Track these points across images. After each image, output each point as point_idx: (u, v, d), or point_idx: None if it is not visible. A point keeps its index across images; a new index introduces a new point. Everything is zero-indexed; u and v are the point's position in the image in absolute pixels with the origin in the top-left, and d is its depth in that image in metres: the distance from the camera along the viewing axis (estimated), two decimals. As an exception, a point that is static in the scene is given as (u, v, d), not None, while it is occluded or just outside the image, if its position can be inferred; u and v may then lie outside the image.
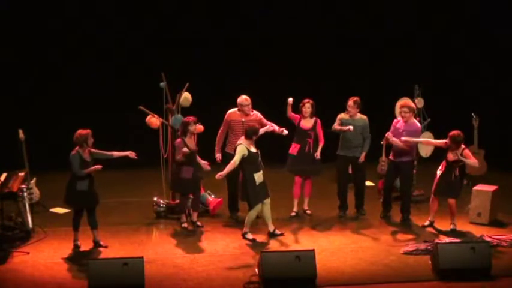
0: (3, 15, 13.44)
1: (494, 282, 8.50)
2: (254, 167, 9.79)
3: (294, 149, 10.78)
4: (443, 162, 10.25)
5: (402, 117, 10.57)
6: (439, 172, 10.29)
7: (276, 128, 10.41)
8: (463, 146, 10.09)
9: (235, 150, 9.90)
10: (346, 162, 10.90)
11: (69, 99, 13.75)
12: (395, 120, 10.76)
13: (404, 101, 10.87)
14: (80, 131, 9.46)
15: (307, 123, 10.79)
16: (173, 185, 10.63)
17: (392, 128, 10.66)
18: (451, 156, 10.13)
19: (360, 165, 10.85)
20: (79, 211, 9.64)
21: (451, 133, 10.09)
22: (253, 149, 9.83)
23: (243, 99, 10.63)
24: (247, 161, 9.76)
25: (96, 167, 9.39)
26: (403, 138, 10.28)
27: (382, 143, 11.09)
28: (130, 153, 9.82)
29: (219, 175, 9.69)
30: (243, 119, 10.57)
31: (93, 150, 9.57)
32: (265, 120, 10.65)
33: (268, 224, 10.03)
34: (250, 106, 10.62)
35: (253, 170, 9.77)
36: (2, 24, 13.43)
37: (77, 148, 9.44)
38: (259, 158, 9.85)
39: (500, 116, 14.14)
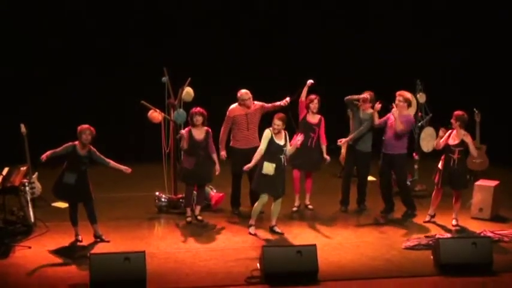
0: (3, 15, 13.48)
1: (496, 278, 8.50)
2: (269, 156, 9.67)
3: (297, 141, 10.69)
4: (443, 156, 10.24)
5: (396, 105, 10.53)
6: (440, 164, 10.27)
7: (282, 103, 10.53)
8: (464, 132, 10.07)
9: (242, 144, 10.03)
10: (352, 153, 10.90)
11: (71, 93, 13.76)
12: (389, 119, 10.65)
13: (402, 91, 10.83)
14: (80, 126, 9.47)
15: (313, 118, 10.79)
16: (178, 174, 10.60)
17: (385, 121, 10.63)
18: (451, 141, 10.09)
19: (364, 159, 10.85)
20: (73, 205, 9.63)
21: (456, 112, 10.08)
22: (279, 141, 9.69)
23: (243, 93, 10.61)
24: (268, 148, 9.69)
25: (42, 156, 9.31)
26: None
27: (383, 138, 11.07)
28: (126, 169, 9.67)
29: (247, 167, 9.68)
30: (246, 113, 10.57)
31: (94, 150, 9.53)
32: (266, 105, 10.64)
33: (272, 219, 10.02)
34: (251, 99, 10.60)
35: (266, 159, 9.67)
36: (3, 22, 13.45)
37: (76, 141, 9.45)
38: (282, 156, 9.67)
39: (503, 111, 14.14)
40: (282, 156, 9.71)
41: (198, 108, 10.36)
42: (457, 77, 14.41)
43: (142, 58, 13.79)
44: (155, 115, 10.84)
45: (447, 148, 10.15)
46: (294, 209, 10.97)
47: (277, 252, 8.50)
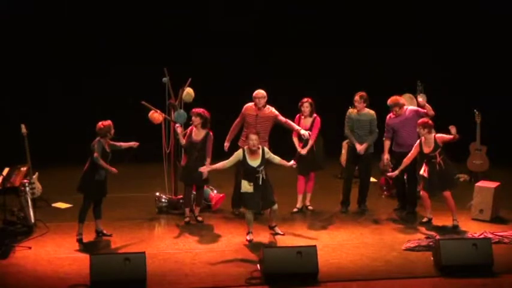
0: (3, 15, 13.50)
1: (496, 279, 8.49)
2: (245, 175, 9.55)
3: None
4: (424, 165, 10.22)
5: (396, 113, 10.65)
6: (423, 172, 10.23)
7: (301, 132, 10.45)
8: (433, 135, 10.09)
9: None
10: (353, 154, 10.90)
11: (71, 93, 13.77)
12: (387, 117, 10.75)
13: (392, 98, 10.83)
14: (102, 122, 9.56)
15: (306, 122, 10.76)
16: (178, 173, 10.67)
17: (386, 126, 10.71)
18: (426, 149, 10.10)
19: (365, 160, 10.86)
20: (89, 202, 9.66)
21: (419, 121, 10.13)
22: (253, 162, 9.51)
23: (257, 92, 10.61)
24: (242, 167, 9.62)
25: (113, 169, 9.49)
26: (394, 173, 10.40)
27: (384, 138, 11.05)
28: (134, 144, 9.92)
29: (203, 168, 9.66)
30: (257, 114, 10.56)
31: (111, 142, 9.68)
32: (281, 117, 10.58)
33: (271, 221, 9.98)
34: (263, 100, 10.56)
35: (244, 177, 9.57)
36: (3, 22, 13.47)
37: (98, 138, 9.50)
38: (260, 175, 9.49)
39: (503, 112, 14.13)
40: (258, 176, 9.52)
41: (197, 109, 10.37)
42: (457, 78, 14.40)
43: (142, 58, 13.79)
44: (156, 116, 10.84)
45: (427, 157, 10.14)
46: (295, 210, 10.95)
47: (277, 253, 8.51)
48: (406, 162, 10.31)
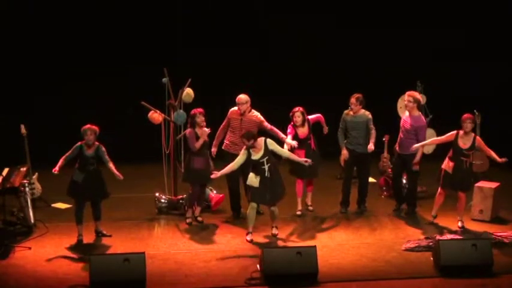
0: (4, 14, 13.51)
1: (496, 279, 8.49)
2: (254, 168, 9.61)
3: (299, 156, 10.43)
4: (450, 161, 10.14)
5: (406, 106, 10.62)
6: (446, 166, 10.19)
7: (286, 142, 10.40)
8: (473, 134, 10.07)
9: (231, 148, 10.21)
10: (352, 155, 10.88)
11: (72, 94, 13.77)
12: (404, 116, 10.75)
13: (412, 91, 10.86)
14: (82, 127, 9.51)
15: (304, 130, 10.74)
16: (185, 176, 10.56)
17: (401, 127, 10.70)
18: (462, 144, 10.04)
19: (364, 161, 10.86)
20: (80, 204, 9.67)
21: (465, 115, 10.02)
22: (255, 156, 9.55)
23: (239, 97, 10.58)
24: (250, 163, 9.65)
25: (55, 168, 9.39)
26: (414, 146, 10.28)
27: (384, 139, 11.11)
28: (118, 176, 9.62)
29: (215, 175, 9.62)
30: (241, 118, 10.54)
31: (101, 148, 9.63)
32: (267, 124, 10.57)
33: (272, 222, 9.98)
34: (246, 105, 10.52)
35: (252, 170, 9.63)
36: (3, 22, 13.48)
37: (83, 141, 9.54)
38: (265, 167, 9.54)
39: (503, 113, 14.13)
40: (264, 168, 9.56)
41: (200, 109, 10.37)
42: (456, 78, 14.39)
43: (142, 58, 13.79)
44: (155, 116, 10.85)
45: (459, 152, 10.07)
46: (298, 212, 10.88)
47: (277, 254, 8.51)
48: (432, 141, 10.42)
